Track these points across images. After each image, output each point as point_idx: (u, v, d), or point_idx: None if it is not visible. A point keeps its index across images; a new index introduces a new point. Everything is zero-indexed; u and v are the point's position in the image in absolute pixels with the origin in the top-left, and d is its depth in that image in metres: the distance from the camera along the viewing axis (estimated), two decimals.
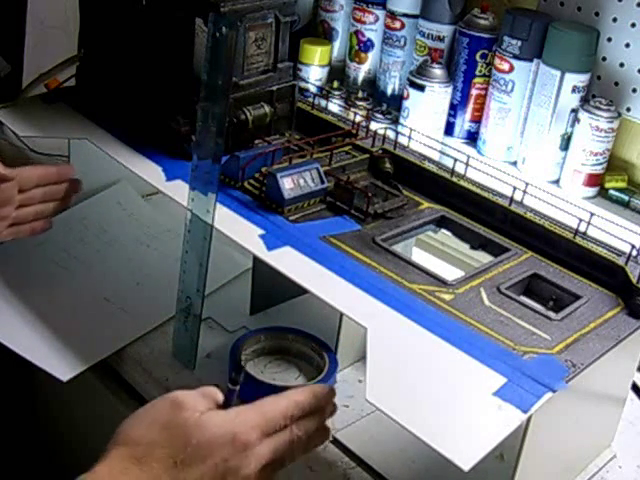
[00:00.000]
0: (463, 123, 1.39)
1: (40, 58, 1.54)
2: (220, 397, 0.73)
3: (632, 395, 1.04)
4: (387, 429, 0.88)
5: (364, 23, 1.48)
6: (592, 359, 0.80)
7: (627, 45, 1.24)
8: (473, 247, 1.01)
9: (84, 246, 1.19)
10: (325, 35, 1.57)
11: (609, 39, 1.25)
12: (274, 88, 1.11)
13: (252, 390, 0.99)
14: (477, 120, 1.38)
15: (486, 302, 0.87)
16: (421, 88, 1.32)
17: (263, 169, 1.02)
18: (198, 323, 0.99)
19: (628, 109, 1.25)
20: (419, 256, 1.16)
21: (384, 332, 0.81)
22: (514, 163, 1.34)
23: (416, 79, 1.33)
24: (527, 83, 1.29)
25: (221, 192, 0.97)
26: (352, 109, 1.34)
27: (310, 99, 1.21)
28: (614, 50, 1.25)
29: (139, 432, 0.68)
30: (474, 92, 1.37)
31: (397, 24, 1.43)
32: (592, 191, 1.26)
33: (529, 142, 1.30)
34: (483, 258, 0.99)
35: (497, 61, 1.30)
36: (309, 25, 1.60)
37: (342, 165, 1.07)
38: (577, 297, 0.90)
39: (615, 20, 1.24)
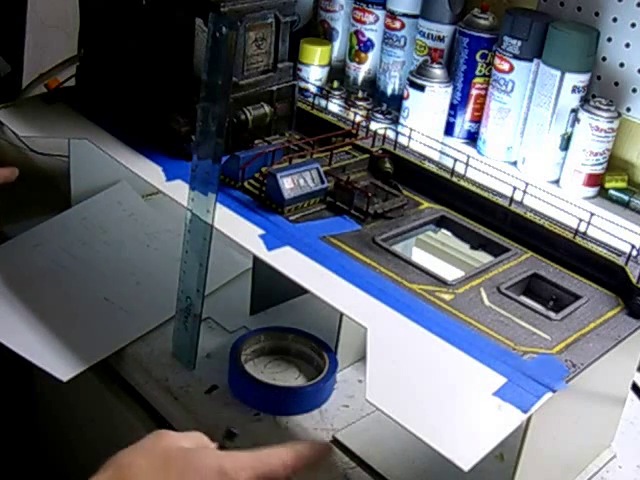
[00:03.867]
0: (463, 123, 1.39)
1: (40, 58, 1.54)
2: (205, 440, 0.72)
3: (632, 395, 1.04)
4: (387, 429, 0.88)
5: (364, 23, 1.48)
6: (592, 359, 0.80)
7: (627, 45, 1.23)
8: (473, 247, 1.01)
9: (84, 246, 1.19)
10: (325, 35, 1.57)
11: (609, 39, 1.25)
12: (274, 88, 1.11)
13: (252, 390, 0.99)
14: (477, 120, 1.38)
15: (486, 302, 0.87)
16: (421, 88, 1.32)
17: (263, 169, 1.02)
18: (198, 323, 0.99)
19: (628, 109, 1.25)
20: (419, 256, 1.16)
21: (384, 332, 0.81)
22: (514, 163, 1.34)
23: (416, 79, 1.33)
24: (527, 83, 1.29)
25: (221, 192, 0.97)
26: (352, 109, 1.34)
27: (310, 99, 1.21)
28: (614, 50, 1.25)
29: (125, 458, 0.68)
30: (474, 92, 1.37)
31: (397, 24, 1.43)
32: (592, 191, 1.26)
33: (529, 142, 1.30)
34: (483, 258, 0.99)
35: (497, 61, 1.30)
36: (309, 25, 1.60)
37: (342, 165, 1.07)
38: (577, 297, 0.90)
39: (615, 20, 1.24)
